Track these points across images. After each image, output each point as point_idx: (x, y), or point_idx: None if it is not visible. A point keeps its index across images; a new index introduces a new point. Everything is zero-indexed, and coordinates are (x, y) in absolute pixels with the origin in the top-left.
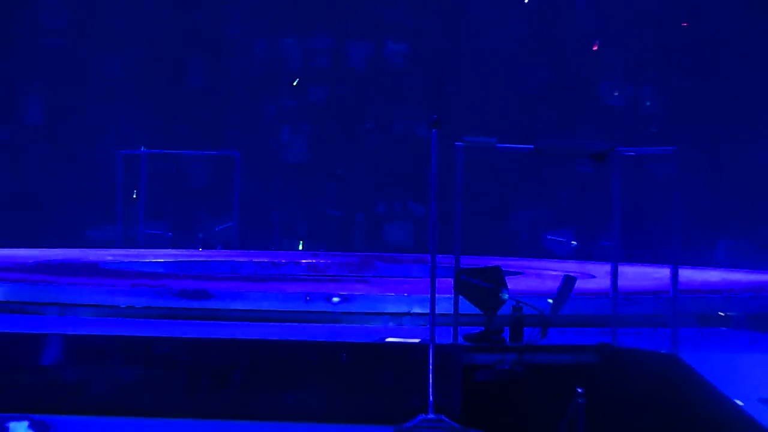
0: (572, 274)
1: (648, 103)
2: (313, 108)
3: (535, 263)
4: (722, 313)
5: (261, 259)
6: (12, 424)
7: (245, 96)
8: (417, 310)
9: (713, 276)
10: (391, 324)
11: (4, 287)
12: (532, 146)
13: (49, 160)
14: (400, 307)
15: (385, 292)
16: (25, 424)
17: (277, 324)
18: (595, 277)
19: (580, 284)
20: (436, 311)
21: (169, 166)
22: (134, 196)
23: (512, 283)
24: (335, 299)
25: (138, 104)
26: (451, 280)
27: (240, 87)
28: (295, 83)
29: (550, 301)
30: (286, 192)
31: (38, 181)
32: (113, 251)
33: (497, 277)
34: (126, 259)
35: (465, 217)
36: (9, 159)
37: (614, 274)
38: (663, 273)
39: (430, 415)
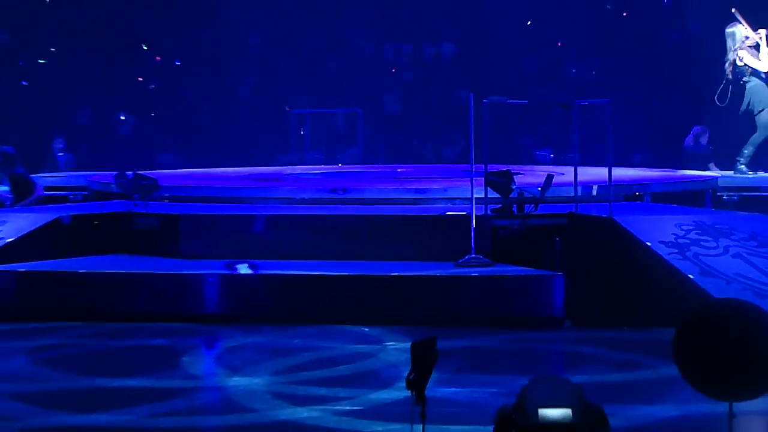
0: (551, 173)
1: (593, 72)
2: (403, 84)
3: (530, 167)
4: (638, 193)
5: (374, 170)
6: (238, 265)
7: (364, 76)
8: (463, 196)
9: (632, 173)
10: (449, 204)
11: (232, 190)
12: (526, 101)
13: (253, 118)
14: (454, 194)
15: (444, 186)
16: (245, 265)
17: (383, 206)
18: (564, 174)
19: (556, 179)
20: (474, 196)
21: (319, 119)
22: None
23: (517, 179)
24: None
25: (303, 83)
26: (482, 178)
27: (360, 71)
28: (393, 71)
29: (540, 188)
30: (386, 132)
31: (248, 129)
32: (291, 167)
33: (509, 176)
34: (298, 172)
35: (489, 140)
36: (228, 119)
37: (575, 173)
38: (603, 171)
39: (473, 255)
